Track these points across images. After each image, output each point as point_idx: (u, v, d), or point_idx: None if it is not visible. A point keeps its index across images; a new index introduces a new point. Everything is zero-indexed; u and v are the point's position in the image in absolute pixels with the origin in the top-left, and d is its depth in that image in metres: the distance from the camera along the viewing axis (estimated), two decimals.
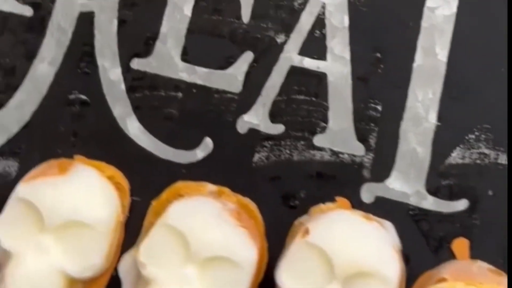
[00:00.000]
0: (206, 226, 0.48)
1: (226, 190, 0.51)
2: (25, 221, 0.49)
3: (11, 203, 0.50)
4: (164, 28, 0.54)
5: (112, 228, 0.50)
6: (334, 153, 0.52)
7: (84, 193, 0.50)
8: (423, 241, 0.50)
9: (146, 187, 0.52)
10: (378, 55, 0.53)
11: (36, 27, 0.55)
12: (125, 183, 0.52)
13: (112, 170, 0.52)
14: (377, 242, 0.49)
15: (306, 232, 0.48)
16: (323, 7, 0.54)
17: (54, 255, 0.48)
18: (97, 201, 0.50)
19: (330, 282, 0.46)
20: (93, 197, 0.50)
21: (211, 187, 0.51)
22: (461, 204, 0.51)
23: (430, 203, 0.51)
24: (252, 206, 0.51)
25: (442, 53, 0.52)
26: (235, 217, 0.49)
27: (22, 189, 0.50)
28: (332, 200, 0.51)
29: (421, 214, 0.51)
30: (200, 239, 0.48)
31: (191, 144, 0.53)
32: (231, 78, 0.53)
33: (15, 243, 0.48)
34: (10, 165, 0.53)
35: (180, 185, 0.52)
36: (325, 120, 0.53)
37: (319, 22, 0.54)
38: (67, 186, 0.50)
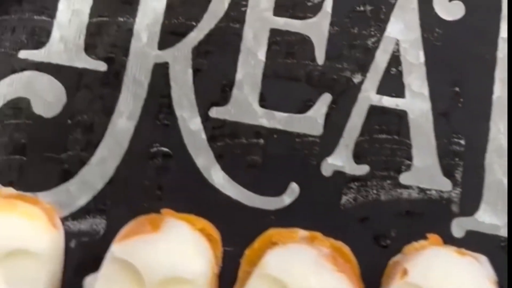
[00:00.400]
0: (306, 273, 0.48)
1: (319, 235, 0.51)
2: (124, 281, 0.49)
3: (108, 264, 0.50)
4: (239, 74, 0.54)
5: (209, 280, 0.50)
6: (422, 190, 0.53)
7: (180, 248, 0.50)
8: None
9: (237, 236, 0.52)
10: (457, 89, 0.53)
11: (111, 81, 0.55)
12: (216, 234, 0.52)
13: (202, 222, 0.52)
14: (474, 277, 0.49)
15: (405, 272, 0.49)
16: (397, 44, 0.54)
17: None
18: (193, 255, 0.50)
19: None
20: (189, 252, 0.50)
21: (302, 232, 0.52)
22: None
23: None
24: (346, 249, 0.51)
25: None
26: (332, 262, 0.49)
27: (118, 249, 0.50)
28: (423, 237, 0.51)
29: None
30: (301, 287, 0.48)
31: (277, 190, 0.53)
32: (311, 121, 0.54)
33: None
34: (97, 223, 0.53)
35: (271, 232, 0.52)
36: (410, 158, 0.53)
37: (395, 59, 0.54)
38: (162, 243, 0.50)
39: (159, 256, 0.49)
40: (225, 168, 0.54)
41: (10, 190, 0.53)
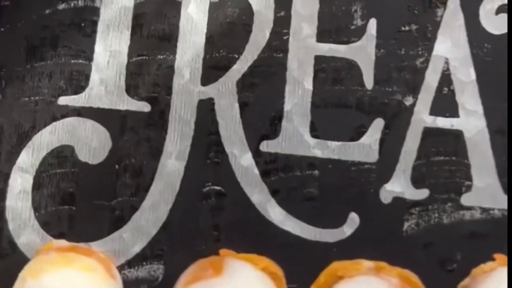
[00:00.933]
0: None
1: (384, 264, 0.50)
2: None
3: None
4: (287, 105, 0.53)
5: None
6: (484, 210, 0.51)
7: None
8: None
9: (300, 272, 0.51)
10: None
11: (156, 122, 0.54)
12: (279, 272, 0.51)
13: (264, 260, 0.51)
14: None
15: None
16: (447, 62, 0.53)
17: None
18: None
19: None
20: None
21: (368, 263, 0.50)
22: None
23: None
24: (414, 277, 0.50)
25: None
26: None
27: None
28: (490, 258, 0.50)
29: None
30: None
31: (337, 221, 0.52)
32: (366, 148, 0.52)
33: None
34: (155, 269, 0.52)
35: (336, 265, 0.51)
36: (469, 178, 0.52)
37: (445, 79, 0.53)
38: (227, 287, 0.48)
39: None
40: (281, 203, 0.52)
41: (63, 243, 0.52)
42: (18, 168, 0.53)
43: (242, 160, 0.53)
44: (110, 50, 0.54)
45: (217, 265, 0.50)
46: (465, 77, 0.53)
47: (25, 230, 0.53)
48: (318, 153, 0.53)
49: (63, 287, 0.49)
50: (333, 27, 0.54)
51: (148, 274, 0.52)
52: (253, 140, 0.53)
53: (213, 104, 0.54)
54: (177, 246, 0.52)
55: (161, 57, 0.54)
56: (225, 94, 0.54)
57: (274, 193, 0.52)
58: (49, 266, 0.50)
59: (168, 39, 0.54)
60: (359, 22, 0.54)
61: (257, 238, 0.52)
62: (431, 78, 0.53)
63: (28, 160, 0.53)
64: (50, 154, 0.53)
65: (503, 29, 0.53)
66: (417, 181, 0.52)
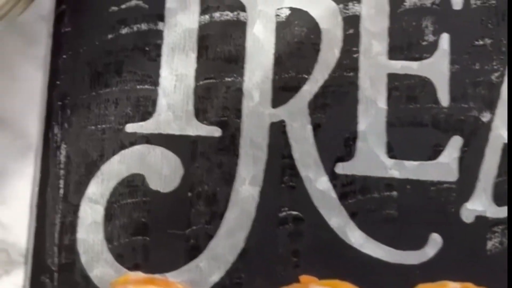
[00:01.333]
0: None
1: (470, 285, 0.49)
2: None
3: None
4: (361, 125, 0.52)
5: None
6: None
7: None
8: None
9: None
10: None
11: (228, 146, 0.52)
12: None
13: (347, 286, 0.49)
14: None
15: None
16: None
17: None
18: None
19: None
20: None
21: (453, 285, 0.49)
22: None
23: None
24: None
25: None
26: None
27: None
28: None
29: None
30: None
31: (419, 242, 0.51)
32: (444, 167, 0.51)
33: None
34: None
35: None
36: None
37: None
38: None
39: None
40: (361, 226, 0.51)
41: (139, 275, 0.50)
42: (88, 199, 0.52)
43: (318, 184, 0.52)
44: (176, 74, 0.53)
45: None
46: None
47: (98, 263, 0.51)
48: (395, 173, 0.51)
49: None
50: (404, 43, 0.53)
51: None
52: (328, 162, 0.52)
53: (285, 126, 0.52)
54: (256, 273, 0.51)
55: (229, 79, 0.53)
56: (296, 116, 0.52)
57: (352, 216, 0.51)
58: None
59: (235, 60, 0.53)
60: (430, 37, 0.53)
61: (338, 262, 0.51)
62: (508, 93, 0.52)
63: (97, 191, 0.52)
64: (121, 183, 0.52)
65: None
66: (499, 199, 0.51)
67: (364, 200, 0.51)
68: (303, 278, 0.50)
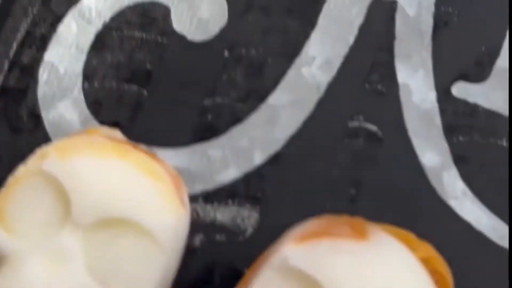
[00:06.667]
0: None
1: None
2: None
3: (274, 273, 0.28)
4: None
5: None
6: None
7: (394, 275, 0.29)
8: None
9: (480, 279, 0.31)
10: None
11: (303, 10, 0.36)
12: (447, 273, 0.31)
13: (428, 250, 0.31)
14: None
15: None
16: None
17: None
18: None
19: None
20: (403, 283, 0.29)
21: None
22: None
23: None
24: None
25: None
26: None
27: (296, 254, 0.28)
28: None
29: None
30: None
31: None
32: None
33: None
34: (244, 216, 0.33)
35: None
36: None
37: None
38: (371, 260, 0.29)
39: (363, 275, 0.29)
40: (464, 178, 0.33)
41: (116, 134, 0.32)
42: (79, 13, 0.34)
43: (419, 99, 0.34)
44: None
45: (358, 226, 0.30)
46: None
47: (61, 102, 0.33)
48: None
49: (106, 180, 0.29)
50: None
51: (231, 221, 0.32)
52: (444, 75, 0.34)
53: (395, 9, 0.35)
54: (289, 192, 0.32)
55: None
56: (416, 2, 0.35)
57: (457, 159, 0.33)
58: (90, 148, 0.30)
59: None
60: None
61: (416, 216, 0.32)
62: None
63: (96, 6, 0.34)
64: (132, 8, 0.35)
65: None
66: None
67: (482, 146, 0.33)
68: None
